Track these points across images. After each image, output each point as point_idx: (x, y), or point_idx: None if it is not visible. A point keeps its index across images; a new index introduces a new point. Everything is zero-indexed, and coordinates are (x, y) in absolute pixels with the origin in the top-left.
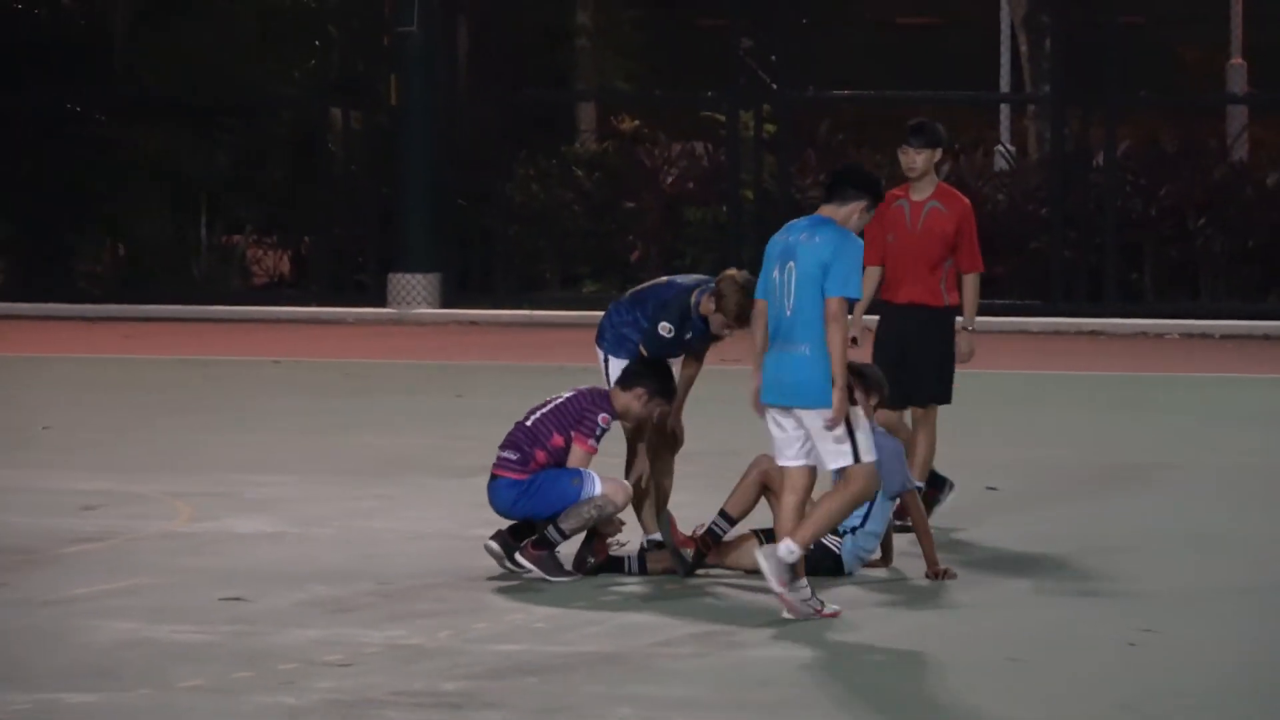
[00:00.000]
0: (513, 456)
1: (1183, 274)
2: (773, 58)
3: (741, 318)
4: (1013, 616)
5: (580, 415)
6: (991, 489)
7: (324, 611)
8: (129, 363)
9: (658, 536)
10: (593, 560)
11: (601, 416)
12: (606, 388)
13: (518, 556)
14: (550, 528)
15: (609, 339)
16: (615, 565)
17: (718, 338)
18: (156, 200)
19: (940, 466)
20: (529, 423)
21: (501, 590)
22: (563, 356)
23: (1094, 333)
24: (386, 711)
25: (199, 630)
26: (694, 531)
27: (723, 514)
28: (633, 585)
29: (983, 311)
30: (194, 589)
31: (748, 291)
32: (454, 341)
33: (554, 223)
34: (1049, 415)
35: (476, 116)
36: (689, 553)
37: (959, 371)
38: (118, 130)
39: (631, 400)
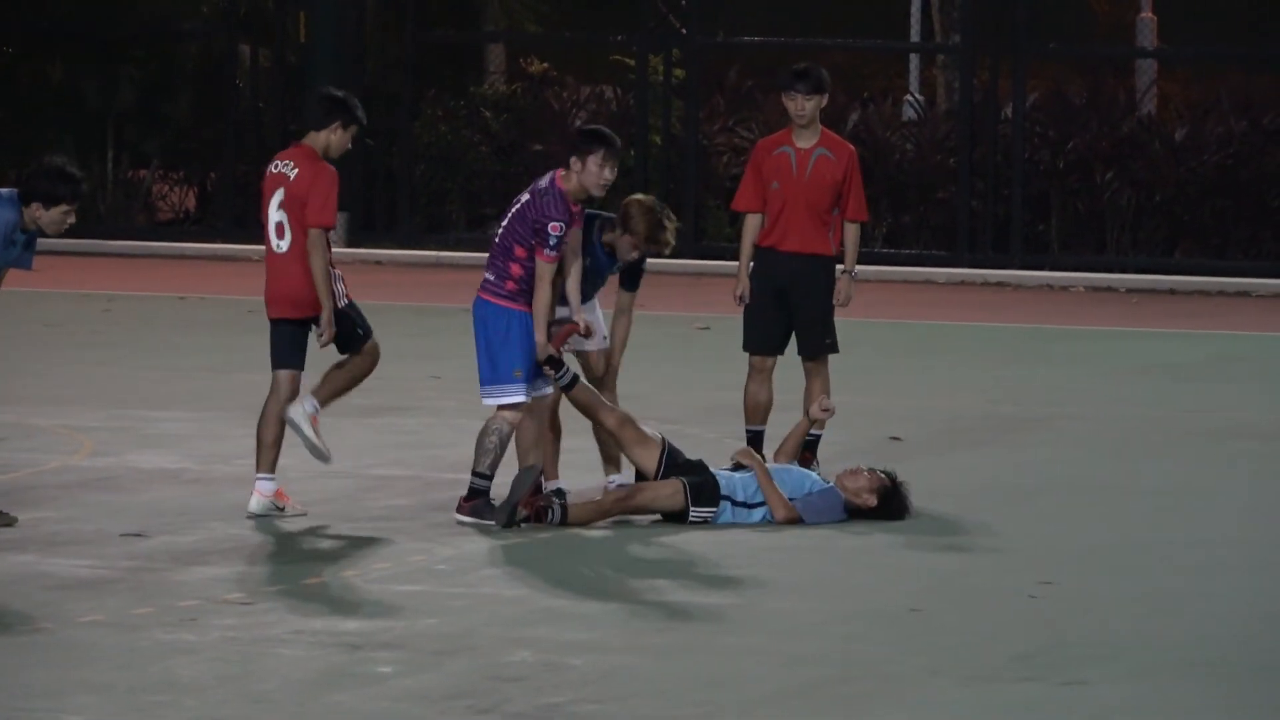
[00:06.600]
0: (491, 276)
1: (1089, 227)
2: (682, 2)
3: (652, 239)
4: (914, 567)
5: (535, 228)
6: (895, 439)
7: (224, 549)
8: (31, 296)
9: (559, 483)
10: (524, 514)
11: (551, 225)
12: (548, 186)
13: (458, 517)
14: (473, 478)
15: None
16: (539, 516)
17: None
18: (61, 133)
19: (843, 416)
20: (498, 237)
21: (403, 531)
22: (467, 298)
23: (999, 284)
24: (285, 650)
25: (98, 565)
26: (545, 498)
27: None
28: (536, 532)
29: (889, 261)
30: (93, 523)
31: (656, 212)
32: (359, 280)
33: (460, 164)
34: (953, 366)
35: (384, 55)
36: (523, 513)
37: (858, 321)
38: (23, 61)
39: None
